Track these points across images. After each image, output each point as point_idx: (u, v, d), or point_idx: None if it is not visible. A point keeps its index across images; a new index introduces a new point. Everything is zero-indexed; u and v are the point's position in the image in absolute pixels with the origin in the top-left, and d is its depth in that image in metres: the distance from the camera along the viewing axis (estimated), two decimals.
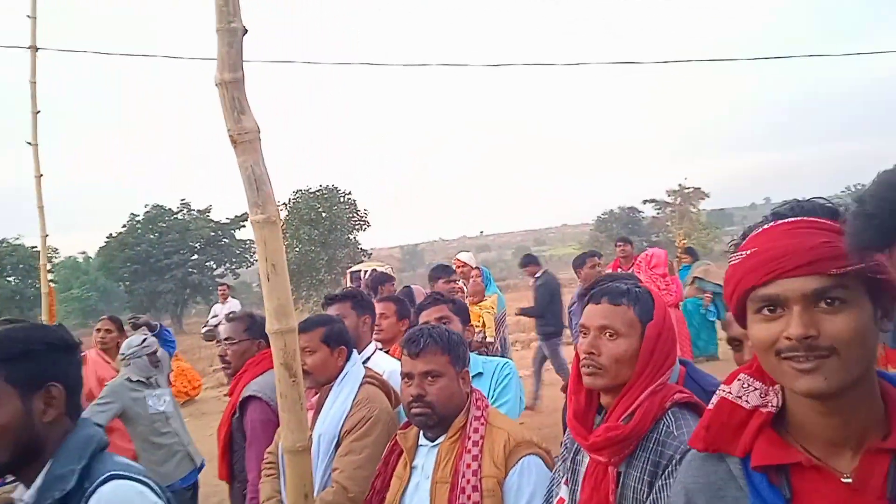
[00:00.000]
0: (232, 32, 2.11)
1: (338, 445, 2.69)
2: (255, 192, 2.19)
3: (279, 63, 8.46)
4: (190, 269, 41.99)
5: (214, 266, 44.72)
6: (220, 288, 15.97)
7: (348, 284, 12.02)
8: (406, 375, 2.31)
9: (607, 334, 1.85)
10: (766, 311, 1.14)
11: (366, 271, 13.10)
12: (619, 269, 8.98)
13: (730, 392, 1.23)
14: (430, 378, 2.27)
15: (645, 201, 55.73)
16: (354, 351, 2.96)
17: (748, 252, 1.16)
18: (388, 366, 3.19)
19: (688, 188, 52.04)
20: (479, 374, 3.02)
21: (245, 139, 2.16)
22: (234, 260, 44.63)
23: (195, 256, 43.32)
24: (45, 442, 1.60)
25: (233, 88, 2.13)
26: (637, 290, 1.91)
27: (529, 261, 9.05)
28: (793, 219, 1.15)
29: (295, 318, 2.19)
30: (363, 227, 37.34)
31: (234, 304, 13.99)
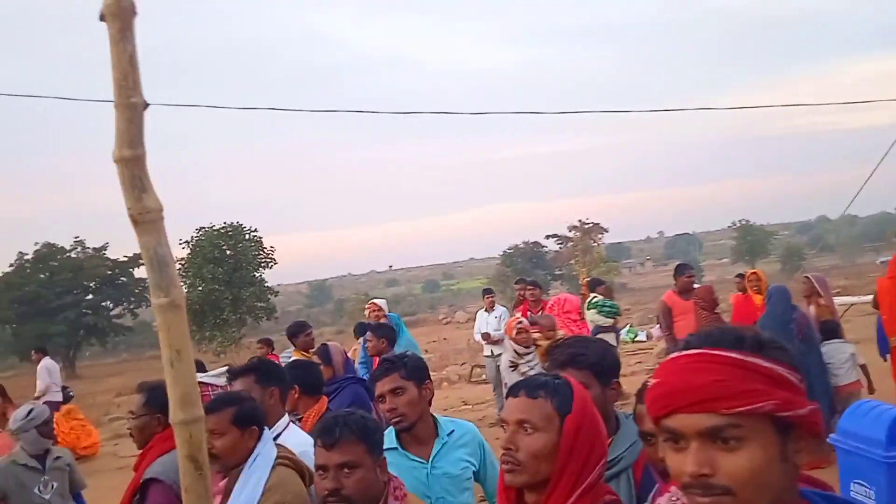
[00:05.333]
0: (132, 108, 1.96)
1: None
2: (157, 275, 2.03)
3: (183, 107, 8.21)
4: (84, 310, 39.93)
5: (111, 306, 42.69)
6: None
7: None
8: (320, 468, 2.17)
9: (525, 429, 1.77)
10: (671, 443, 1.12)
11: None
12: (529, 313, 9.10)
13: None
14: (346, 470, 2.13)
15: (548, 236, 57.08)
16: (266, 429, 2.80)
17: (656, 381, 1.16)
18: (301, 442, 3.02)
19: (588, 223, 53.59)
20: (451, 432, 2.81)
21: (147, 219, 2.01)
22: (132, 300, 42.75)
23: (90, 296, 41.28)
24: None
25: (133, 166, 1.98)
26: (556, 381, 1.84)
27: None
28: (695, 351, 1.12)
29: (201, 407, 2.05)
30: (269, 264, 36.50)
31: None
